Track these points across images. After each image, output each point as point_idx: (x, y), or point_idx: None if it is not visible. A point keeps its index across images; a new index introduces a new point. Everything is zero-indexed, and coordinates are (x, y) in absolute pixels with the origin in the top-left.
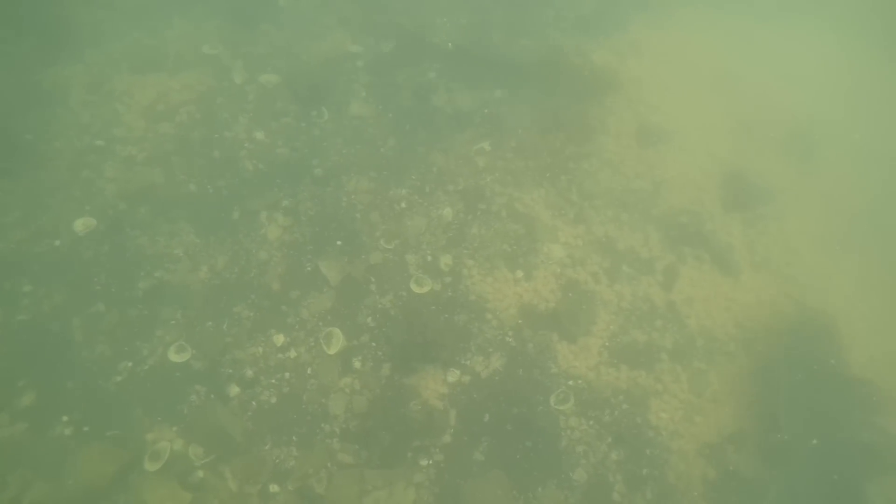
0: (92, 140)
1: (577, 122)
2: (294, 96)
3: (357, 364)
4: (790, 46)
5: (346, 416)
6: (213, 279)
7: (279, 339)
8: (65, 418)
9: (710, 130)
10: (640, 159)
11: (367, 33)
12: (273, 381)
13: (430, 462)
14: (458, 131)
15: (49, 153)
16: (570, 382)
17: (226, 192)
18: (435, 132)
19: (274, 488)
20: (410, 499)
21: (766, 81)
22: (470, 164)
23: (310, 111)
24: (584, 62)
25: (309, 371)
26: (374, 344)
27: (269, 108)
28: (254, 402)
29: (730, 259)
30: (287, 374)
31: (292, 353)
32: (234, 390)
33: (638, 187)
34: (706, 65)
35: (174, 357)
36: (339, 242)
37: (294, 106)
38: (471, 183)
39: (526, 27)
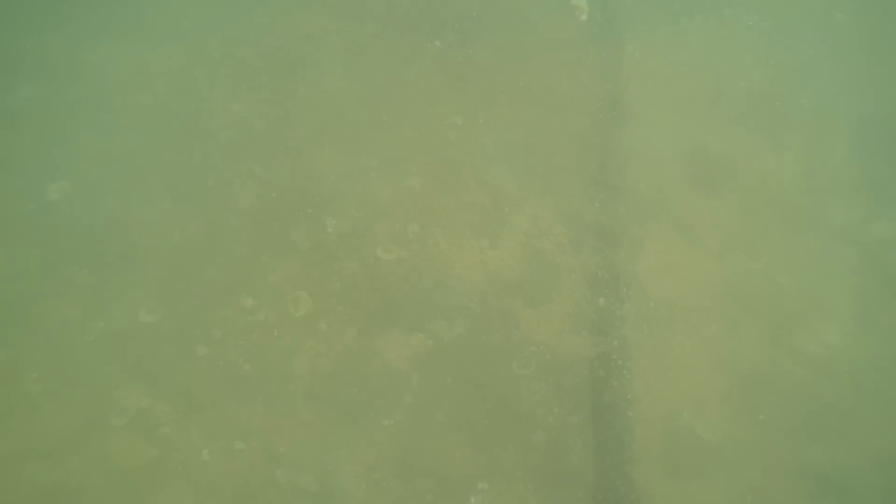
0: (67, 107)
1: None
2: (271, 70)
3: (323, 327)
4: (757, 19)
5: (311, 377)
6: (185, 244)
7: (248, 301)
8: (34, 375)
9: (676, 105)
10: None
11: (346, 9)
12: (241, 342)
13: (392, 422)
14: (430, 106)
15: (23, 119)
16: (533, 348)
17: (200, 160)
18: (408, 105)
19: (238, 445)
20: (371, 457)
21: (733, 55)
22: (441, 136)
23: (286, 85)
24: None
25: (275, 333)
26: (340, 308)
27: (246, 81)
28: (221, 362)
29: (694, 232)
30: (254, 336)
31: (260, 316)
32: (203, 350)
33: None
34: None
35: (144, 318)
36: (309, 210)
37: (270, 80)
38: (441, 155)
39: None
